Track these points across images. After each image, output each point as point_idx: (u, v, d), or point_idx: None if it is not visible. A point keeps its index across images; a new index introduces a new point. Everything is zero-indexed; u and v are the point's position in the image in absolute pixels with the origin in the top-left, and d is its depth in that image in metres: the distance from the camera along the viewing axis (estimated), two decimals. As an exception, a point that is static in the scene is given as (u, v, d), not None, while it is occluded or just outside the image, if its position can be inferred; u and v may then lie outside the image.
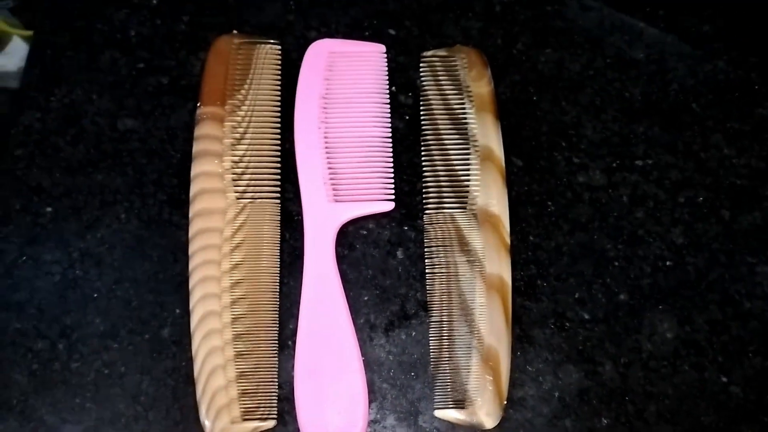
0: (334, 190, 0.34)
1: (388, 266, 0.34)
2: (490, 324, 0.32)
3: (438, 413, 0.31)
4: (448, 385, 0.31)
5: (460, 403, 0.31)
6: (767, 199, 0.36)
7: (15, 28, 0.52)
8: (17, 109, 0.37)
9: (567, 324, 0.33)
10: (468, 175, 0.35)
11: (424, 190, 0.35)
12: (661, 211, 0.35)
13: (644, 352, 0.32)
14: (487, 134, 0.36)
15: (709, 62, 0.39)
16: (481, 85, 0.37)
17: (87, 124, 0.37)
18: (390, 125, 0.36)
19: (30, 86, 0.37)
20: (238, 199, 0.33)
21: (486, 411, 0.31)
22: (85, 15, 0.39)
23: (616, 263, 0.34)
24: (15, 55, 0.53)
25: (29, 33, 0.52)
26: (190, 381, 0.31)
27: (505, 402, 0.31)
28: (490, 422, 0.31)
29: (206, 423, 0.30)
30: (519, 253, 0.34)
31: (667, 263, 0.34)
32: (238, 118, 0.35)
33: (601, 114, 0.38)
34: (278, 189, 0.35)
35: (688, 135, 0.37)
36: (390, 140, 0.36)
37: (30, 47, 0.39)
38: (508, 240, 0.34)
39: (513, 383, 0.32)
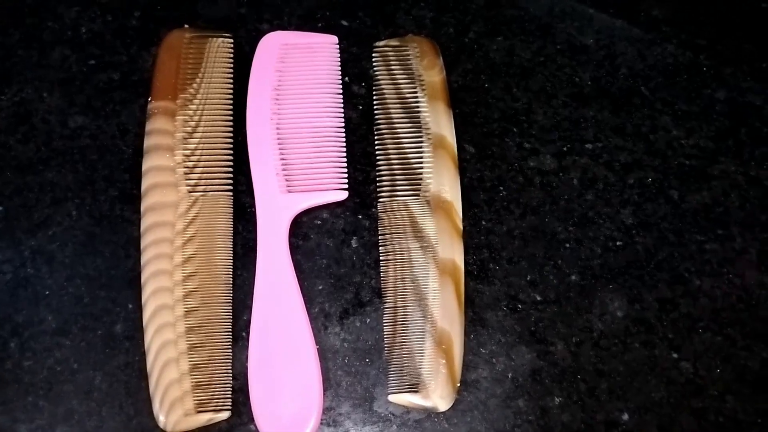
0: (287, 181, 0.34)
1: (342, 255, 0.34)
2: (443, 308, 0.32)
3: (392, 398, 0.31)
4: (402, 370, 0.32)
5: (414, 387, 0.31)
6: (715, 178, 0.37)
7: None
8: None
9: (519, 306, 0.33)
10: (421, 162, 0.35)
11: (377, 179, 0.35)
12: (611, 193, 0.36)
13: (595, 331, 0.33)
14: (440, 122, 0.36)
15: (658, 46, 0.40)
16: (433, 74, 0.37)
17: (37, 122, 0.36)
18: (343, 116, 0.36)
19: (-22, 85, 0.37)
20: (190, 192, 0.33)
21: (440, 394, 0.31)
22: (36, 12, 0.39)
23: (567, 245, 0.35)
24: None
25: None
26: (143, 375, 0.31)
27: (459, 384, 0.31)
28: (443, 405, 0.31)
29: (160, 417, 0.30)
30: (472, 237, 0.34)
31: (617, 243, 0.35)
32: (190, 112, 0.35)
33: (552, 99, 0.38)
34: (231, 182, 0.35)
35: (637, 117, 0.38)
36: (343, 130, 0.36)
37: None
38: (460, 225, 0.34)
39: (466, 366, 0.32)
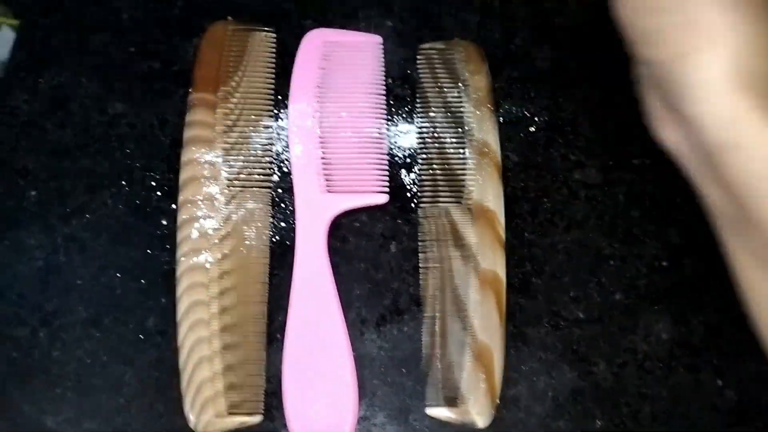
0: (327, 181, 0.34)
1: (380, 260, 0.33)
2: (484, 321, 0.31)
3: (429, 411, 0.31)
4: (440, 383, 0.31)
5: (452, 401, 0.30)
6: None
7: (4, 16, 0.51)
8: (4, 89, 0.36)
9: (561, 323, 0.33)
10: (464, 169, 0.34)
11: (419, 184, 0.35)
12: (658, 211, 0.35)
13: (639, 353, 0.32)
14: (484, 129, 0.35)
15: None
16: (479, 80, 0.37)
17: (75, 108, 0.36)
18: (386, 117, 0.36)
19: (18, 67, 0.36)
20: (229, 187, 0.33)
21: (478, 410, 0.30)
22: (77, -3, 0.38)
23: (612, 262, 0.34)
24: (3, 45, 0.52)
25: (17, 22, 0.51)
26: (174, 373, 0.30)
27: (498, 401, 0.30)
28: (482, 421, 0.30)
29: (190, 416, 0.29)
30: (514, 249, 0.34)
31: (663, 263, 0.34)
32: (231, 106, 0.35)
33: (599, 109, 0.37)
34: (270, 178, 0.34)
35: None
36: (385, 133, 0.35)
37: (18, 28, 0.38)
38: (503, 236, 0.33)
39: (506, 382, 0.31)
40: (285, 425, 0.29)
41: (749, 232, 0.22)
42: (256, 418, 0.30)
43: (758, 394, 0.32)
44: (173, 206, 0.33)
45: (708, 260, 0.33)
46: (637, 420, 0.31)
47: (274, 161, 0.34)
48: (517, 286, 0.33)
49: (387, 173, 0.34)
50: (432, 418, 0.30)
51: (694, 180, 0.24)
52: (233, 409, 0.29)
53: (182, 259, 0.31)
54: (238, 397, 0.30)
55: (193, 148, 0.33)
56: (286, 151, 0.34)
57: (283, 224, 0.34)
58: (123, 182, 0.34)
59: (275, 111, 0.35)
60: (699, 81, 0.20)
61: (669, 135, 0.24)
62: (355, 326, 0.32)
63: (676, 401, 0.31)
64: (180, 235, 0.32)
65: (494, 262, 0.32)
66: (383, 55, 0.37)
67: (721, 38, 0.20)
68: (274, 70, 0.36)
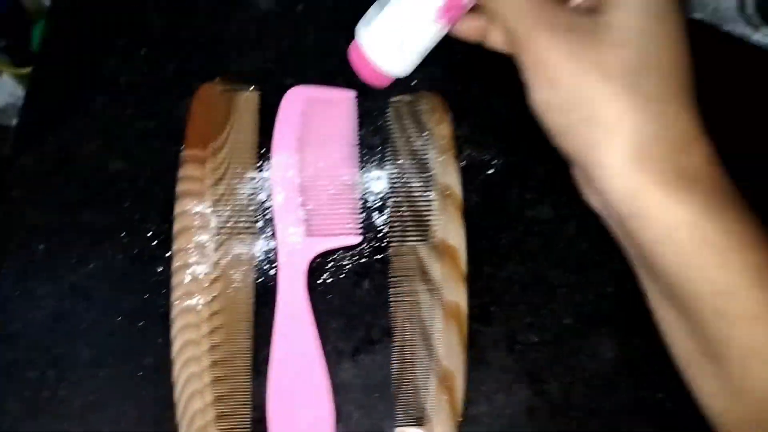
0: (306, 225, 0.37)
1: (355, 295, 0.37)
2: (447, 348, 0.35)
3: (398, 430, 0.34)
4: (408, 405, 0.34)
5: (419, 421, 0.34)
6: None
7: (4, 65, 0.55)
8: (15, 151, 0.40)
9: (518, 346, 0.36)
10: (429, 210, 0.38)
11: (389, 225, 0.38)
12: (604, 242, 0.39)
13: (587, 372, 0.36)
14: (447, 173, 0.39)
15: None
16: (442, 128, 0.41)
17: (78, 166, 0.40)
18: (359, 165, 0.40)
19: (26, 131, 0.40)
20: (218, 235, 0.37)
21: (442, 428, 0.34)
22: (78, 63, 0.42)
23: (563, 290, 0.37)
24: (3, 90, 0.57)
25: (18, 70, 0.55)
26: (170, 406, 0.33)
27: (460, 419, 0.34)
28: (446, 438, 0.34)
29: (186, 443, 0.33)
30: (475, 282, 0.37)
31: (609, 290, 0.38)
32: (219, 160, 0.39)
33: (551, 152, 0.41)
34: (255, 225, 0.38)
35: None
36: (359, 179, 0.39)
37: (26, 94, 0.42)
38: (464, 270, 0.37)
39: (468, 401, 0.34)
40: (270, 448, 0.33)
41: (655, 277, 0.26)
42: (245, 443, 0.33)
43: (696, 406, 0.35)
44: (168, 254, 0.36)
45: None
46: (586, 433, 0.34)
47: (258, 209, 0.38)
48: (477, 315, 0.37)
49: (360, 216, 0.38)
50: (402, 437, 0.34)
51: (614, 235, 0.28)
52: (224, 436, 0.33)
53: (176, 302, 0.35)
54: (227, 425, 0.33)
55: (185, 201, 0.37)
56: (269, 200, 0.38)
57: (266, 266, 0.37)
58: (122, 234, 0.38)
59: (259, 163, 0.39)
60: (602, 166, 0.24)
61: (592, 200, 0.27)
62: (332, 357, 0.36)
63: (621, 415, 0.35)
64: (174, 281, 0.35)
65: (457, 294, 0.36)
66: (357, 109, 0.41)
67: (618, 130, 0.23)
68: (258, 126, 0.40)
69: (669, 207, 0.23)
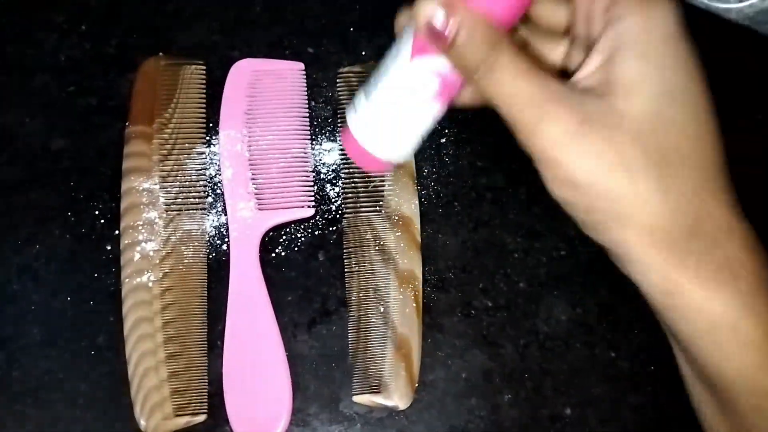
0: (257, 199, 0.37)
1: (310, 268, 0.37)
2: (403, 315, 0.35)
3: (356, 399, 0.34)
4: (365, 373, 0.35)
5: (376, 389, 0.34)
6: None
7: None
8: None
9: (473, 312, 0.37)
10: (383, 181, 0.38)
11: (342, 196, 0.38)
12: (556, 206, 0.39)
13: (541, 334, 0.36)
14: (400, 142, 0.39)
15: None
16: (394, 98, 0.40)
17: (21, 146, 0.38)
18: (310, 137, 0.39)
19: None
20: (167, 211, 0.36)
21: (400, 394, 0.34)
22: (16, 40, 0.41)
23: (516, 255, 0.38)
24: None
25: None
26: (124, 383, 0.33)
27: (417, 385, 0.34)
28: (403, 403, 0.34)
29: (141, 421, 0.32)
30: (429, 249, 0.37)
31: (561, 253, 0.38)
32: (166, 135, 0.38)
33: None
34: (204, 200, 0.37)
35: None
36: (310, 151, 0.39)
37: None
38: (419, 239, 0.37)
39: (424, 368, 0.35)
40: (227, 421, 0.33)
41: (691, 361, 0.25)
42: (201, 417, 0.33)
43: (648, 363, 0.36)
44: (116, 232, 0.36)
45: (600, 248, 0.38)
46: (540, 393, 0.35)
47: (207, 185, 0.38)
48: (432, 282, 0.37)
49: (313, 188, 0.38)
50: (359, 405, 0.34)
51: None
52: (179, 411, 0.33)
53: (126, 280, 0.34)
54: (183, 400, 0.33)
55: (132, 178, 0.36)
56: (219, 175, 0.38)
57: (218, 242, 0.37)
58: (69, 213, 0.37)
59: (207, 138, 0.39)
60: (637, 262, 0.22)
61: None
62: (288, 329, 0.36)
63: (575, 374, 0.36)
64: (123, 259, 0.35)
65: (411, 263, 0.36)
66: (306, 80, 0.41)
67: (651, 228, 0.22)
68: (204, 100, 0.39)
69: (709, 304, 0.22)
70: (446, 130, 0.41)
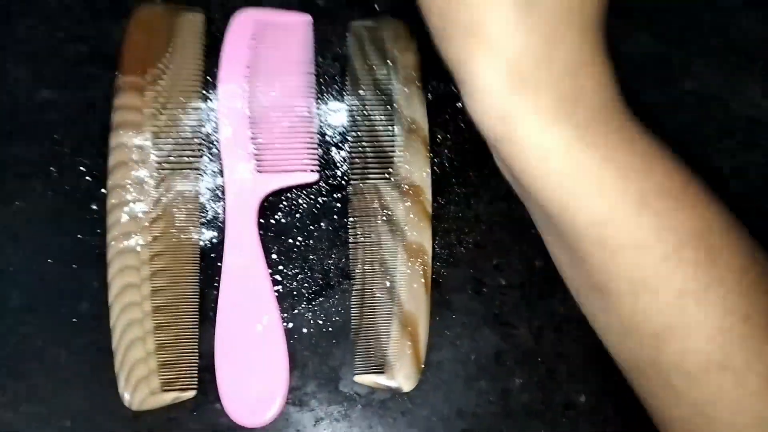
0: (257, 161, 0.34)
1: (311, 236, 0.35)
2: (410, 291, 0.33)
3: (358, 378, 0.32)
4: (368, 351, 0.32)
5: (379, 368, 0.32)
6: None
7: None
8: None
9: (484, 289, 0.34)
10: (392, 146, 0.35)
11: (349, 161, 0.35)
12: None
13: (557, 316, 0.34)
14: (412, 106, 0.36)
15: (629, 36, 0.40)
16: (408, 57, 0.37)
17: (3, 96, 0.36)
18: (316, 96, 0.36)
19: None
20: (158, 170, 0.33)
21: (404, 374, 0.32)
22: (1, -19, 0.38)
23: (533, 231, 0.35)
24: None
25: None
26: (109, 354, 0.31)
27: (423, 365, 0.32)
28: (407, 385, 0.32)
29: (125, 395, 0.30)
30: (440, 222, 0.35)
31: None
32: (159, 88, 0.35)
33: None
34: (199, 160, 0.34)
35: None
36: (315, 111, 0.36)
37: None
38: (429, 210, 0.34)
39: (431, 347, 0.33)
40: (218, 399, 0.30)
41: (536, 208, 0.25)
42: (190, 393, 0.31)
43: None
44: (103, 191, 0.33)
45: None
46: (554, 378, 0.33)
47: (203, 143, 0.35)
48: (442, 257, 0.34)
49: (317, 152, 0.35)
50: (361, 385, 0.32)
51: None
52: (167, 386, 0.30)
53: (112, 243, 0.32)
54: (171, 374, 0.31)
55: (122, 132, 0.34)
56: (216, 133, 0.35)
57: (213, 205, 0.34)
58: (52, 168, 0.34)
59: (204, 92, 0.36)
60: (477, 83, 0.22)
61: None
62: (286, 301, 0.33)
63: (592, 360, 0.33)
64: (110, 220, 0.32)
65: (421, 235, 0.34)
66: (313, 34, 0.38)
67: (501, 46, 0.21)
68: (203, 52, 0.36)
69: (540, 134, 0.22)
70: (463, 94, 0.38)
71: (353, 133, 0.36)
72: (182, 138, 0.34)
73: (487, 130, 0.24)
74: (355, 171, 0.35)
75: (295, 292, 0.34)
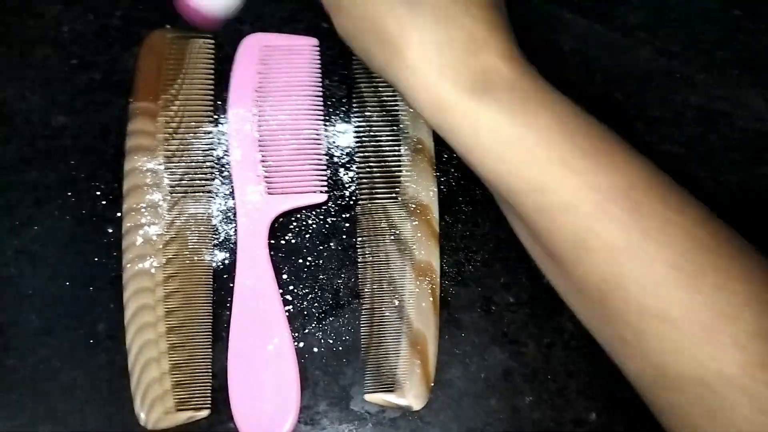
0: (267, 182, 0.35)
1: (321, 256, 0.35)
2: (419, 309, 0.33)
3: (368, 397, 0.32)
4: (378, 370, 0.33)
5: (389, 387, 0.32)
6: (685, 183, 0.38)
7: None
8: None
9: (493, 307, 0.34)
10: (399, 166, 0.36)
11: (356, 182, 0.36)
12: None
13: (566, 333, 0.34)
14: (418, 125, 0.37)
15: (633, 51, 0.41)
16: (413, 77, 0.38)
17: (19, 122, 0.37)
18: (323, 118, 0.37)
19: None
20: (172, 193, 0.34)
21: (414, 393, 0.32)
22: (17, 11, 0.39)
23: (540, 248, 0.36)
24: None
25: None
26: (124, 374, 0.31)
27: (433, 384, 0.32)
28: (417, 404, 0.32)
29: (141, 415, 0.31)
30: (448, 240, 0.35)
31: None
32: (171, 113, 0.36)
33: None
34: (211, 183, 0.35)
35: (611, 123, 0.39)
36: (323, 132, 0.37)
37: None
38: (437, 228, 0.35)
39: (441, 366, 0.33)
40: (231, 418, 0.31)
41: (491, 190, 0.28)
42: (204, 413, 0.32)
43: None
44: (118, 214, 0.34)
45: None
46: (563, 395, 0.33)
47: (215, 166, 0.36)
48: (451, 275, 0.35)
49: (326, 172, 0.36)
50: (371, 403, 0.32)
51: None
52: (181, 406, 0.31)
53: (128, 265, 0.32)
54: (185, 394, 0.31)
55: (135, 157, 0.34)
56: (227, 156, 0.36)
57: (225, 227, 0.35)
58: (69, 193, 0.35)
59: (215, 116, 0.37)
60: (404, 83, 0.25)
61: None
62: (297, 320, 0.34)
63: (601, 377, 0.33)
64: (125, 243, 0.33)
65: (429, 254, 0.34)
66: (320, 57, 0.39)
67: (405, 44, 0.24)
68: (213, 76, 0.37)
69: (468, 113, 0.24)
70: (468, 113, 0.38)
71: (360, 154, 0.37)
72: (194, 161, 0.35)
73: (432, 124, 0.25)
74: (363, 191, 0.36)
75: (305, 312, 0.34)
